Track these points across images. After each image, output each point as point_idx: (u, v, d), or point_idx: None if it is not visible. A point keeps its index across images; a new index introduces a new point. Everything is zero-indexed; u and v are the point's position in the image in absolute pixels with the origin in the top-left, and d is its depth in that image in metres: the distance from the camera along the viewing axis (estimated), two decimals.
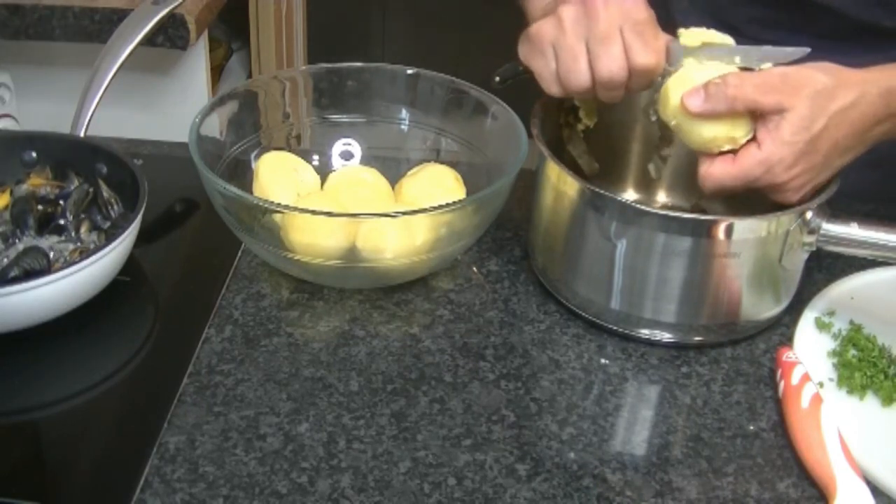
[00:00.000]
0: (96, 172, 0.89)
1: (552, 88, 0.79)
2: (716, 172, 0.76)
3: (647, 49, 0.75)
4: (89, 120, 0.92)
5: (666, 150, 0.91)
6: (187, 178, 0.87)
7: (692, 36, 0.79)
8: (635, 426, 0.76)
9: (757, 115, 0.74)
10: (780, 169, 0.74)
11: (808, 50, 0.76)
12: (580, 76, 0.76)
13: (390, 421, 0.74)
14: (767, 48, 0.77)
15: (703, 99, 0.74)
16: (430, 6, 2.60)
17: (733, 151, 0.76)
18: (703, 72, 0.77)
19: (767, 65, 0.77)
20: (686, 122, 0.77)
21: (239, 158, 0.92)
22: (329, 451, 0.71)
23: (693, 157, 0.93)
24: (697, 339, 0.82)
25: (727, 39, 0.79)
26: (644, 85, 0.78)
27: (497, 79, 0.85)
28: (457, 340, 0.82)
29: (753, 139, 0.75)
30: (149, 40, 1.00)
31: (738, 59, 0.77)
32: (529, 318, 0.85)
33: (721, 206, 0.92)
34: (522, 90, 0.83)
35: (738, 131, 0.75)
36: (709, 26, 0.80)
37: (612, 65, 0.75)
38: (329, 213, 0.79)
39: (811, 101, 0.72)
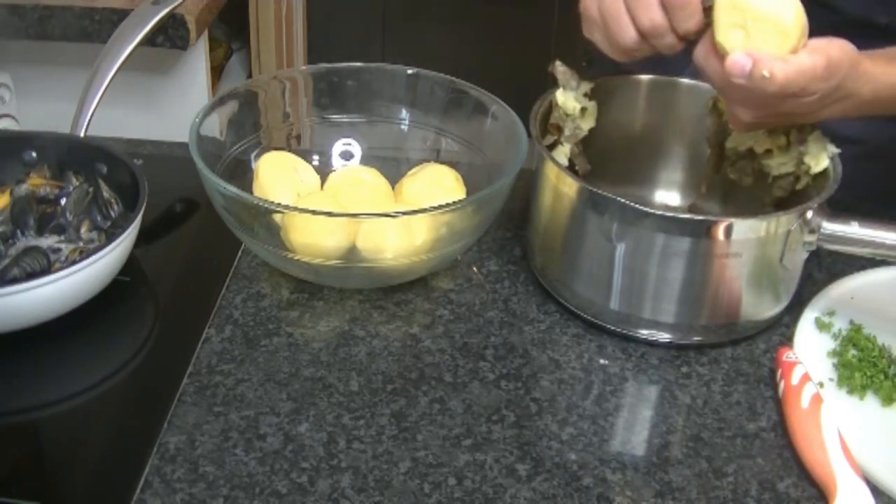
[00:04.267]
0: (96, 172, 0.89)
1: (612, 53, 0.80)
2: (791, 69, 0.72)
3: None
4: (89, 120, 0.92)
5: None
6: (187, 178, 0.87)
7: None
8: (635, 426, 0.76)
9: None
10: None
11: None
12: (625, 33, 0.77)
13: (390, 421, 0.74)
14: None
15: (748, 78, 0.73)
16: (430, 6, 2.60)
17: None
18: None
19: None
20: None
21: (239, 158, 0.92)
22: (329, 451, 0.71)
23: (691, 160, 0.94)
24: (697, 339, 0.82)
25: None
26: (690, 21, 0.76)
27: (584, 63, 0.86)
28: (457, 340, 0.82)
29: None
30: (149, 40, 1.00)
31: None
32: (529, 318, 0.85)
33: (717, 205, 0.93)
34: (522, 90, 0.83)
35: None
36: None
37: (649, 12, 0.75)
38: (329, 213, 0.79)
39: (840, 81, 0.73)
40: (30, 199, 0.87)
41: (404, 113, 0.98)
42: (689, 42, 0.77)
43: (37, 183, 0.88)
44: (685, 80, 0.92)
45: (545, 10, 2.39)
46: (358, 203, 0.87)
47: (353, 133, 0.98)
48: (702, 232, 0.76)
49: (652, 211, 0.77)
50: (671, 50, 0.78)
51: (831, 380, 0.78)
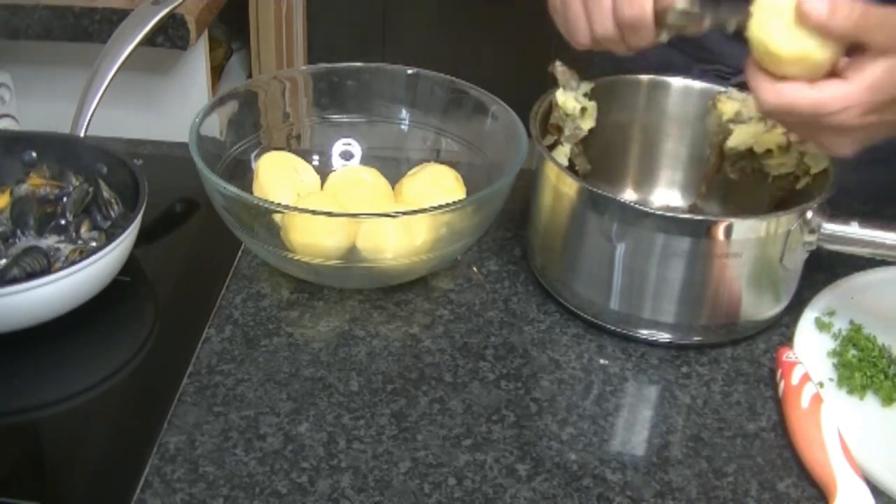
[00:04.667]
0: (96, 172, 0.89)
1: (572, 43, 0.82)
2: (789, 91, 0.70)
3: (633, 4, 0.76)
4: (89, 120, 0.92)
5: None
6: (187, 178, 0.87)
7: None
8: (635, 426, 0.76)
9: (846, 51, 0.69)
10: (856, 112, 0.69)
11: None
12: (581, 34, 0.80)
13: (390, 421, 0.74)
14: None
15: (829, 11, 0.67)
16: (430, 6, 2.60)
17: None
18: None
19: None
20: (772, 28, 0.69)
21: (239, 158, 0.92)
22: (329, 451, 0.71)
23: (691, 160, 0.94)
24: (697, 339, 0.82)
25: None
26: (640, 38, 0.77)
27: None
28: (457, 340, 0.82)
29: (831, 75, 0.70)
30: (149, 40, 1.00)
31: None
32: (529, 318, 0.85)
33: (718, 205, 0.93)
34: (522, 90, 0.83)
35: (825, 53, 0.68)
36: None
37: (604, 22, 0.78)
38: (329, 213, 0.79)
39: None
40: (30, 199, 0.87)
41: (404, 113, 0.98)
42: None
43: (37, 183, 0.88)
44: (685, 81, 0.92)
45: (545, 10, 2.39)
46: (358, 203, 0.87)
47: (353, 133, 0.98)
48: (702, 232, 0.76)
49: (652, 211, 0.77)
50: (626, 54, 0.80)
51: (831, 380, 0.78)
